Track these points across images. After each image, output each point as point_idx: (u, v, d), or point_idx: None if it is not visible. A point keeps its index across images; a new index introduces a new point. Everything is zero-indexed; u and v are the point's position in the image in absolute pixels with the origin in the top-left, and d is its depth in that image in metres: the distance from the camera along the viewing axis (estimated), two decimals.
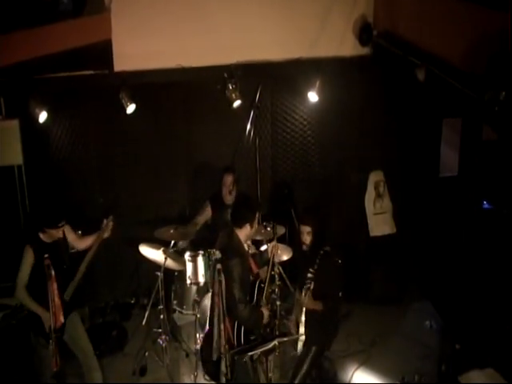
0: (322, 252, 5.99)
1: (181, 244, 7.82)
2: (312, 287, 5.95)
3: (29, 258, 6.01)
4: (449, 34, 6.36)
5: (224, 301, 5.24)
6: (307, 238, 6.09)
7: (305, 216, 6.27)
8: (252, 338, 6.08)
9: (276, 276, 7.03)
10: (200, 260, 7.29)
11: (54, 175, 8.24)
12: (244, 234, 6.02)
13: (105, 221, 6.55)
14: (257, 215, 6.20)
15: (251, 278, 6.21)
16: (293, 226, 7.78)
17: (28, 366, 7.21)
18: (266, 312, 6.13)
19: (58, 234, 6.16)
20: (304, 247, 6.17)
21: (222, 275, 5.15)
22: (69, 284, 6.25)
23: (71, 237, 6.50)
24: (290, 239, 7.85)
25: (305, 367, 6.17)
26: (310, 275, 5.99)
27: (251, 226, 6.04)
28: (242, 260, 5.87)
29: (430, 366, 7.38)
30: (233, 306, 5.69)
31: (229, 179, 7.79)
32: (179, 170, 8.79)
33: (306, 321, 6.09)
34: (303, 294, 6.01)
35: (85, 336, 6.60)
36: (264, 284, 6.38)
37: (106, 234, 6.58)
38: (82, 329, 6.61)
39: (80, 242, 6.57)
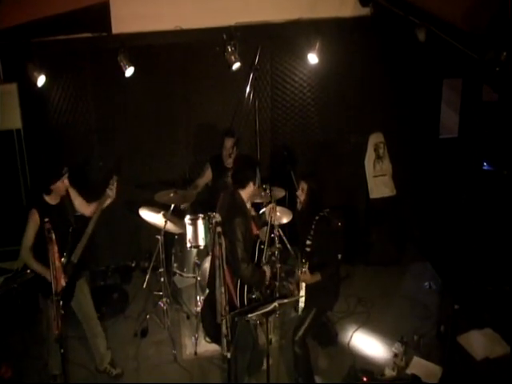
0: (317, 218, 5.99)
1: (182, 206, 7.83)
2: (307, 264, 5.95)
3: (34, 221, 6.01)
4: None
5: (224, 264, 5.26)
6: (302, 195, 6.11)
7: (302, 173, 6.28)
8: (253, 296, 6.15)
9: (276, 238, 7.04)
10: (200, 223, 7.30)
11: (54, 139, 8.20)
12: (248, 192, 6.07)
13: (110, 182, 6.55)
14: (258, 171, 6.23)
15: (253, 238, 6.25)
16: (292, 189, 7.78)
17: (30, 329, 7.29)
18: (267, 271, 6.19)
19: (62, 187, 6.13)
20: (298, 205, 6.20)
21: (222, 238, 5.17)
22: (76, 246, 6.29)
23: (78, 201, 6.49)
24: (290, 202, 7.85)
25: (305, 326, 6.24)
26: (308, 242, 6.01)
27: (254, 184, 6.08)
28: (246, 219, 5.92)
29: (429, 326, 7.46)
30: (235, 266, 5.75)
31: (229, 143, 7.77)
32: (179, 133, 8.73)
33: (306, 286, 6.12)
34: (299, 272, 6.02)
35: (90, 302, 6.67)
36: (264, 245, 6.42)
37: (111, 195, 6.54)
38: (88, 295, 6.66)
39: (86, 207, 6.56)
